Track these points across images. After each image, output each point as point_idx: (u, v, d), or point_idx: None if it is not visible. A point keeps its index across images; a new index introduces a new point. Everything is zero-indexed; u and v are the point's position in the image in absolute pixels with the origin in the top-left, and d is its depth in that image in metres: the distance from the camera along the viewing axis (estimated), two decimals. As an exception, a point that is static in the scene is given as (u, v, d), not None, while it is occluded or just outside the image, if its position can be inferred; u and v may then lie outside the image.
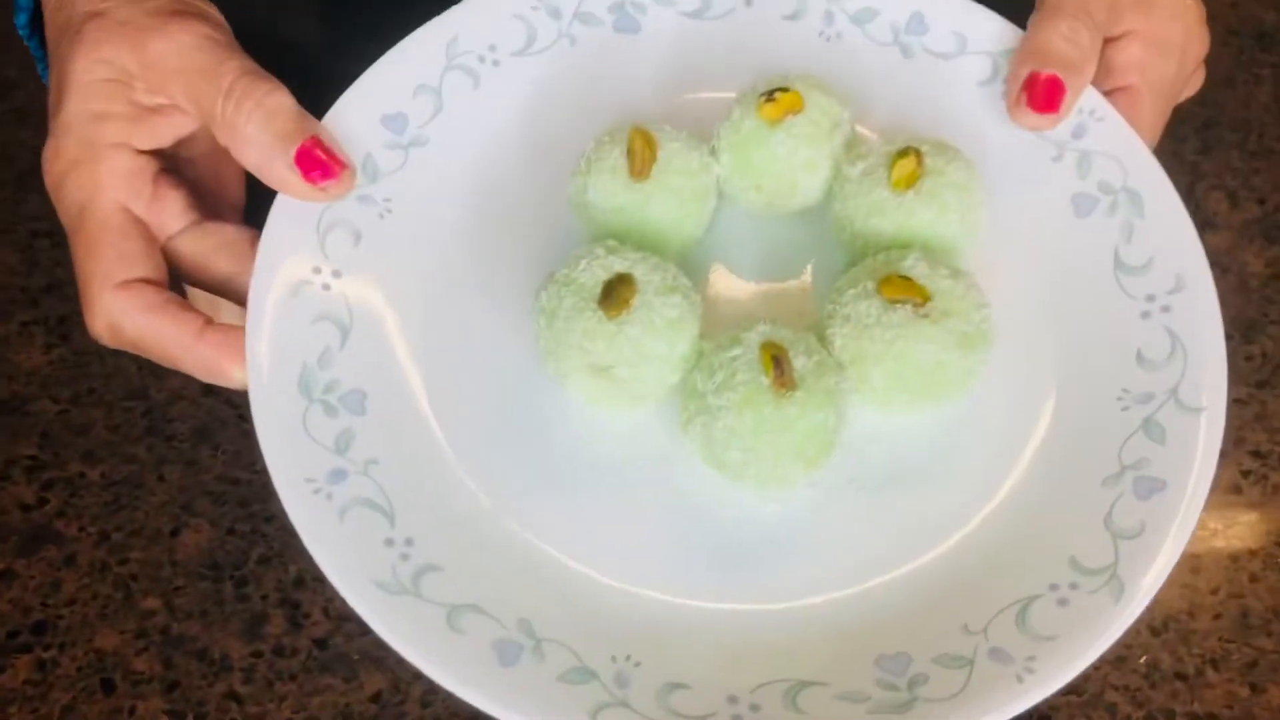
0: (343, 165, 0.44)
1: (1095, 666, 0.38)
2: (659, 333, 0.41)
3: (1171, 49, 0.47)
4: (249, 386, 0.42)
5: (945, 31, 0.49)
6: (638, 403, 0.43)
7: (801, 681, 0.39)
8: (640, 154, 0.44)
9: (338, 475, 0.41)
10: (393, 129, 0.47)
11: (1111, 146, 0.47)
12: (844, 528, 0.42)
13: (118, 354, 0.55)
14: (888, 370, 0.41)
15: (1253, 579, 0.49)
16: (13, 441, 0.55)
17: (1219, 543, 0.50)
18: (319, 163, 0.43)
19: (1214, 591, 0.49)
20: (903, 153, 0.44)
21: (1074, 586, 0.40)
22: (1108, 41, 0.47)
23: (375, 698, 0.49)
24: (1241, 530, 0.50)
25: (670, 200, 0.44)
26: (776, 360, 0.40)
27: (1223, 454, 0.51)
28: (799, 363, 0.40)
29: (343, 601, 0.39)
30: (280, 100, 0.43)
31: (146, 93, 0.44)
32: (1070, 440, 0.43)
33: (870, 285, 0.42)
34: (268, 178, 0.44)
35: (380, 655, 0.39)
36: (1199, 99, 0.60)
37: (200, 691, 0.48)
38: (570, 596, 0.41)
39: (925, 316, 0.41)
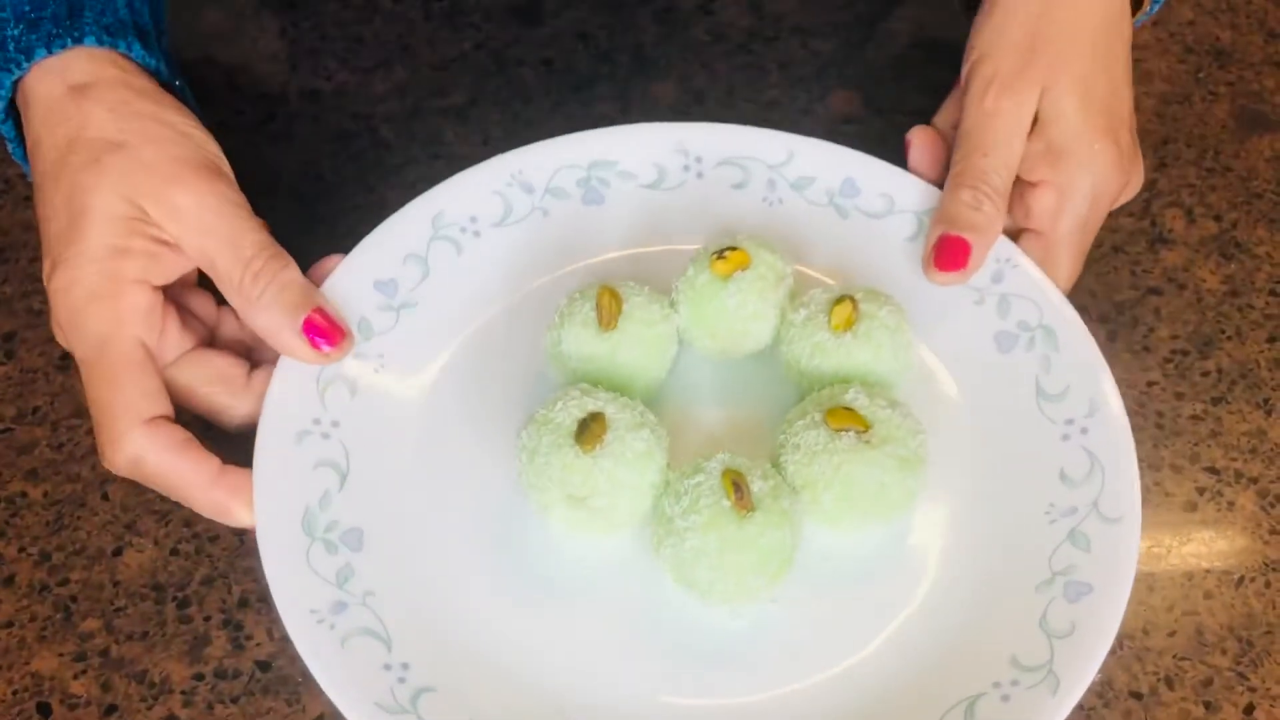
0: (343, 334, 0.49)
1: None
2: (630, 464, 0.45)
3: (1081, 195, 0.52)
4: (256, 528, 0.46)
5: (874, 194, 0.56)
6: (614, 529, 0.47)
7: None
8: (608, 308, 0.49)
9: (339, 607, 0.45)
10: (385, 293, 0.52)
11: (1027, 289, 0.52)
12: (801, 635, 0.46)
13: (65, 371, 0.55)
14: (836, 492, 0.46)
15: (1207, 596, 0.50)
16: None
17: (1174, 560, 0.51)
18: (323, 330, 0.48)
19: (1169, 609, 0.49)
20: (840, 300, 0.49)
21: (1015, 683, 0.44)
22: (1029, 186, 0.53)
23: (317, 720, 0.49)
24: (1196, 547, 0.51)
25: (636, 348, 0.49)
26: (736, 485, 0.44)
27: (1178, 470, 0.53)
28: (756, 486, 0.45)
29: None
30: (291, 276, 0.48)
31: (159, 230, 0.47)
32: (1004, 551, 0.47)
33: (817, 416, 0.47)
34: (276, 343, 0.48)
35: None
36: (1156, 116, 0.65)
37: (139, 715, 0.47)
38: (559, 714, 0.44)
39: (867, 443, 0.46)
